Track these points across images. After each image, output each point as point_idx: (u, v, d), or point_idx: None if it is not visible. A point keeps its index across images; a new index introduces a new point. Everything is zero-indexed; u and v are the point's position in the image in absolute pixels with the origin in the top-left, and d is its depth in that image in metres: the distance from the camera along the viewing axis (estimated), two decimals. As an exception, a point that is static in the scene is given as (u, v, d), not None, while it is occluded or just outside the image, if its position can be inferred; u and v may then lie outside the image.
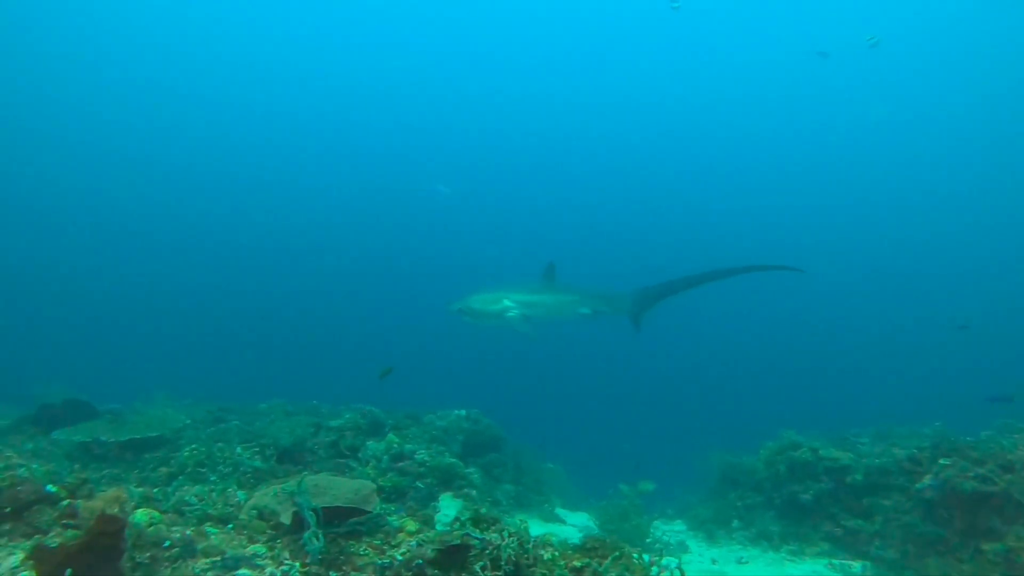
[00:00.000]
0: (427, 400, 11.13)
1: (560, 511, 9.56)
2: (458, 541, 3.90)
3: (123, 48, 39.31)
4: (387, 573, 3.89)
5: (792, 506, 8.51)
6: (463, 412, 10.21)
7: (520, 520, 3.80)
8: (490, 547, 3.73)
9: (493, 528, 4.21)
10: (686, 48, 43.61)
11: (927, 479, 7.01)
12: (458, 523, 4.45)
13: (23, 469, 4.49)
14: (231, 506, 5.17)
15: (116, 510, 4.06)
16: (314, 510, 4.06)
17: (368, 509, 4.35)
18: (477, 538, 3.80)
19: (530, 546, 3.67)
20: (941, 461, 6.91)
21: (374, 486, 4.59)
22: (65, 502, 4.33)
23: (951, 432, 7.80)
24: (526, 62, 45.38)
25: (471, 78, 45.91)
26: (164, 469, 7.38)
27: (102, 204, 38.31)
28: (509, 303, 11.48)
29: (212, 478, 6.84)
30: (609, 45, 44.37)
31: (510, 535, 3.72)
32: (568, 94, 46.15)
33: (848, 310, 37.19)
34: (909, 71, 41.76)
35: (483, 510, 4.50)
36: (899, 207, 44.24)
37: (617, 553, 3.73)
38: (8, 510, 4.00)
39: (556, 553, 3.86)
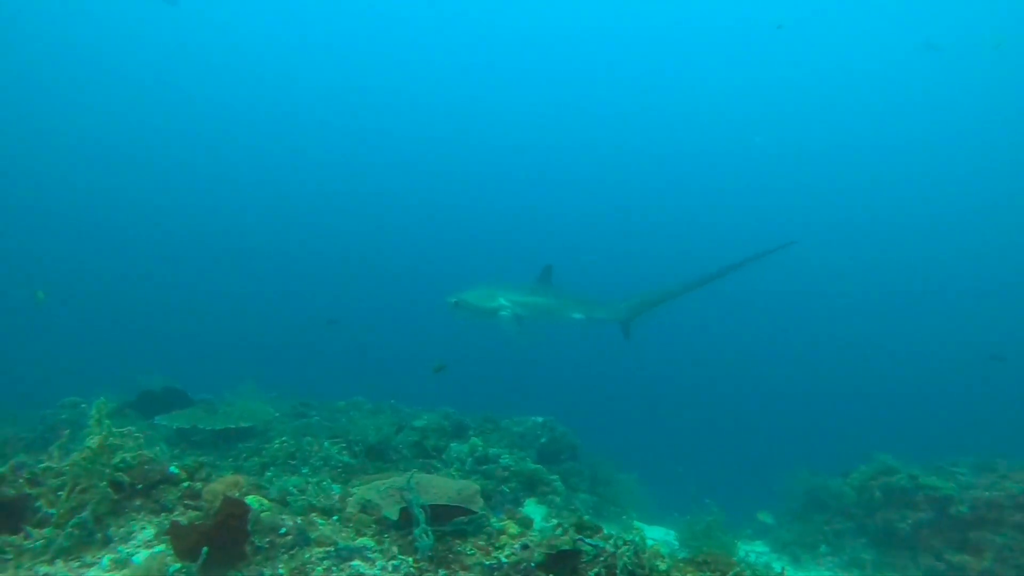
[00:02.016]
0: (495, 405, 11.20)
1: (638, 524, 9.37)
2: (568, 547, 3.86)
3: (114, 46, 41.05)
4: (496, 574, 3.87)
5: (887, 535, 8.09)
6: (540, 419, 10.19)
7: (636, 528, 3.71)
8: (604, 554, 3.67)
9: (597, 536, 4.15)
10: (687, 52, 44.45)
11: (1048, 515, 6.52)
12: (560, 528, 4.40)
13: (154, 450, 4.70)
14: (330, 498, 5.27)
15: (235, 494, 4.22)
16: (423, 507, 4.09)
17: (474, 509, 4.35)
18: (590, 544, 3.75)
19: (646, 556, 3.59)
20: (1066, 497, 6.42)
21: (478, 487, 4.60)
22: (186, 483, 4.51)
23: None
24: (525, 67, 46.55)
25: (474, 81, 47.16)
26: (257, 459, 7.63)
27: (193, 207, 40.54)
28: (504, 302, 11.36)
29: (304, 470, 7.01)
30: (609, 48, 45.20)
31: (625, 543, 3.65)
32: (567, 98, 47.23)
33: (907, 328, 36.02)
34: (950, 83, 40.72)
35: (586, 517, 4.43)
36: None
37: (738, 569, 3.60)
38: (139, 487, 4.19)
39: (670, 564, 3.76)
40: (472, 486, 4.62)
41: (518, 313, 11.32)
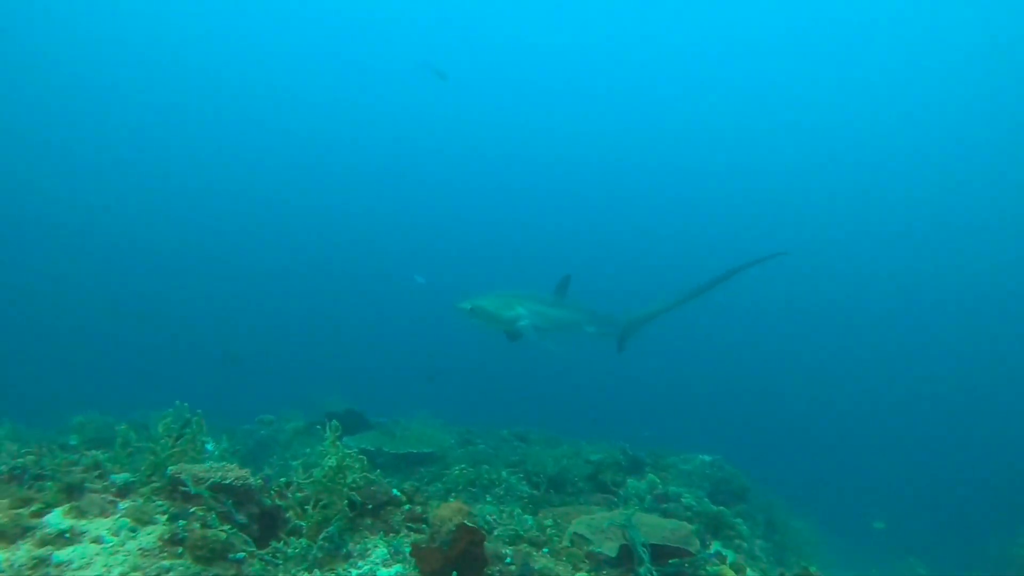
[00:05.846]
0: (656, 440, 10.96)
1: (823, 577, 8.67)
2: (805, 601, 3.62)
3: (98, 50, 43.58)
4: (728, 624, 3.70)
5: None
6: (708, 458, 9.80)
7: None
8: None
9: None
10: (694, 55, 44.21)
11: None
12: (785, 579, 4.16)
13: (375, 472, 4.98)
14: (530, 529, 5.32)
15: (459, 520, 4.36)
16: (645, 546, 4.02)
17: (691, 550, 4.21)
18: (840, 602, 3.49)
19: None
20: None
21: (691, 527, 4.46)
22: (407, 506, 4.74)
23: None
24: (526, 65, 46.77)
25: (483, 82, 47.37)
26: (439, 484, 7.91)
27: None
28: (522, 311, 11.07)
29: (487, 499, 7.17)
30: (618, 54, 45.43)
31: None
32: (571, 98, 47.36)
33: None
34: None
35: (812, 568, 4.15)
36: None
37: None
38: (369, 507, 4.46)
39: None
40: (685, 526, 4.49)
41: (536, 324, 11.25)
